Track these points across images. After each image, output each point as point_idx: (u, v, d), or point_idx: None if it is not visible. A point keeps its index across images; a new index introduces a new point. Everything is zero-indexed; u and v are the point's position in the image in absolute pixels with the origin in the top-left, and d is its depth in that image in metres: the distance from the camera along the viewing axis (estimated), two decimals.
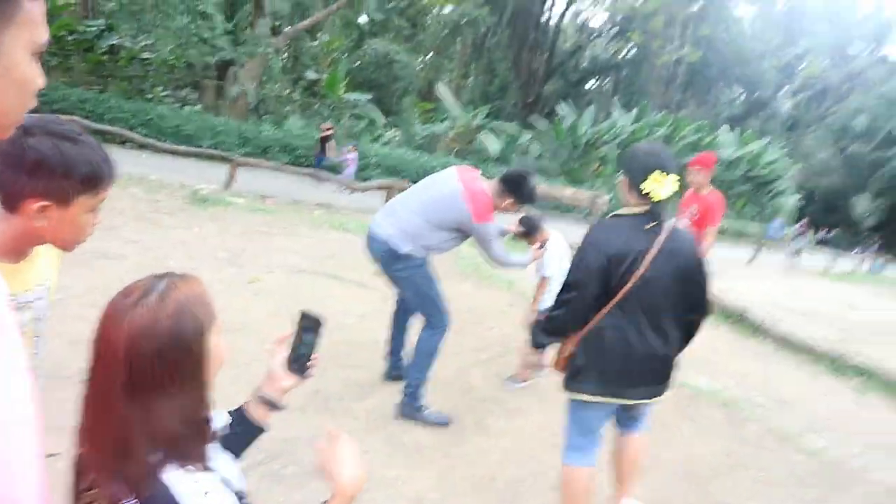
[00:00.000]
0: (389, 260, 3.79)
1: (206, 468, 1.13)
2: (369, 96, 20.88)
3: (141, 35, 15.72)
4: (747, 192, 28.90)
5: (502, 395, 4.39)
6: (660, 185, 2.37)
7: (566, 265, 3.39)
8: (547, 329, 2.62)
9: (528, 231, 4.31)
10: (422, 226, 3.70)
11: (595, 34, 38.81)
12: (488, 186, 3.75)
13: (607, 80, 39.81)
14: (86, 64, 17.41)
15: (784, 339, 7.41)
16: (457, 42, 31.31)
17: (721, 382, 5.24)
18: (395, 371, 4.27)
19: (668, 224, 2.47)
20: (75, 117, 11.59)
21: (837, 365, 6.57)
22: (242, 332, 4.45)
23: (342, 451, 1.31)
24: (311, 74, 20.02)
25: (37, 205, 1.25)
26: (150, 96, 17.79)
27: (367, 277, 6.63)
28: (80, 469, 1.13)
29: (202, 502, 1.06)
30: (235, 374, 3.81)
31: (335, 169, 15.48)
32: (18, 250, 1.38)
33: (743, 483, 3.64)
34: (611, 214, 2.56)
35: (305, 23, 19.12)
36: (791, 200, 30.15)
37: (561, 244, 4.41)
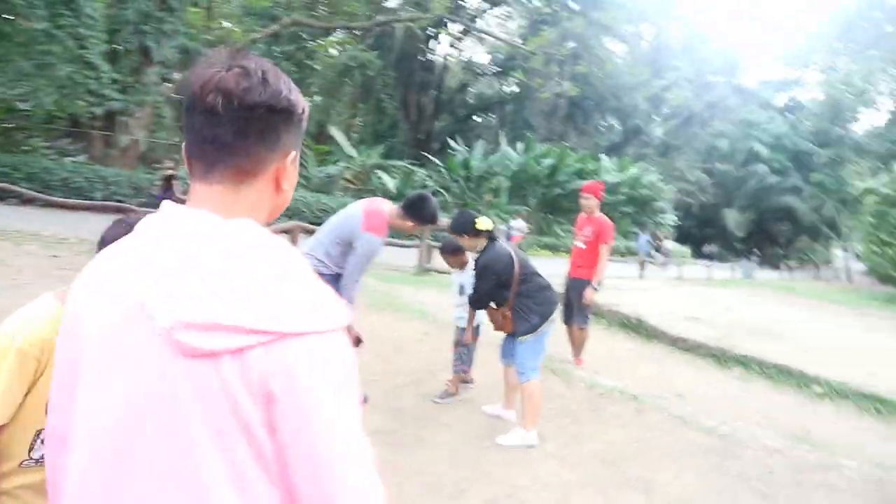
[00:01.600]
0: None
1: None
2: None
3: (18, 85, 15.04)
4: (630, 212, 30.91)
5: (434, 411, 4.73)
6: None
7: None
8: None
9: (454, 251, 4.78)
10: (329, 238, 4.22)
11: (480, 72, 40.49)
12: (390, 211, 4.24)
13: (493, 115, 41.52)
14: None
15: (675, 340, 8.20)
16: (345, 84, 31.84)
17: (624, 382, 5.83)
18: None
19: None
20: None
21: (721, 359, 7.40)
22: None
23: None
24: None
25: None
26: (26, 148, 16.97)
27: None
28: None
29: None
30: None
31: None
32: None
33: (652, 461, 4.16)
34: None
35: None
36: (669, 218, 32.54)
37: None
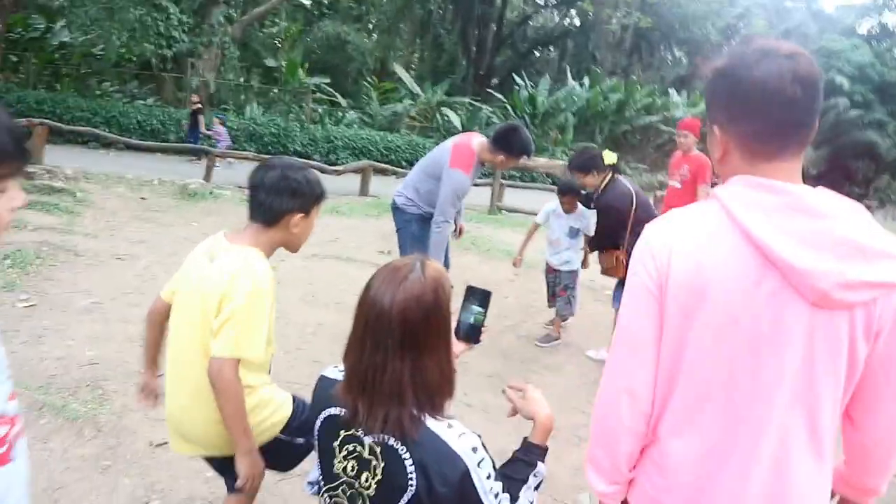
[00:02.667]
0: (393, 213, 4.27)
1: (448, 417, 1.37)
2: (328, 79, 20.78)
3: (91, 30, 15.26)
4: (701, 149, 29.79)
5: (539, 354, 4.70)
6: None
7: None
8: None
9: (574, 192, 4.59)
10: (418, 175, 4.15)
11: (542, 3, 39.03)
12: (480, 145, 3.98)
13: (556, 49, 40.18)
14: (36, 63, 16.87)
15: None
16: (404, 20, 31.20)
17: None
18: None
19: None
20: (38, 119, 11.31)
21: None
22: (281, 321, 4.62)
23: (535, 395, 1.57)
24: (269, 62, 19.80)
25: None
26: (99, 93, 17.35)
27: (377, 257, 6.84)
28: (348, 418, 1.35)
29: (460, 442, 1.31)
30: (288, 360, 4.03)
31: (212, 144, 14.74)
32: None
33: None
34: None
35: (260, 9, 18.85)
36: None
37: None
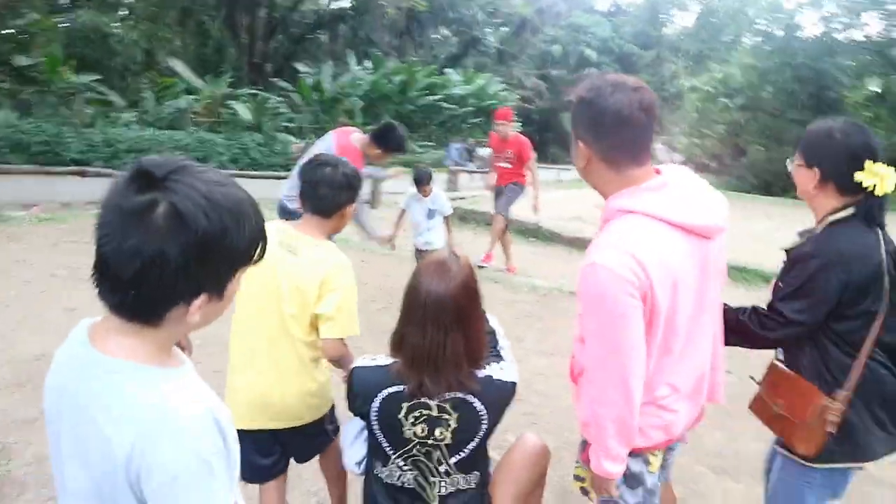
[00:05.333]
0: (284, 216, 4.46)
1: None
2: (98, 77, 18.97)
3: None
4: (479, 123, 31.91)
5: None
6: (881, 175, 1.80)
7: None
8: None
9: (417, 180, 5.14)
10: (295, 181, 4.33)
11: None
12: (359, 140, 4.45)
13: (333, 32, 40.07)
14: None
15: (571, 241, 9.14)
16: (168, 6, 29.15)
17: (559, 282, 6.59)
18: None
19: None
20: None
21: None
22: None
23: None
24: (19, 59, 17.48)
25: None
26: None
27: None
28: (411, 390, 1.71)
29: (504, 374, 1.75)
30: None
31: None
32: None
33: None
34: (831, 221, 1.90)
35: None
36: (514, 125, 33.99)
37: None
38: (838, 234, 1.84)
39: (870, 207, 1.82)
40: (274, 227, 2.11)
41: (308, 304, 2.12)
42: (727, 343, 1.93)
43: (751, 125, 26.87)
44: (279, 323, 2.14)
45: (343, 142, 4.43)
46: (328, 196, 2.17)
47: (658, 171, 1.66)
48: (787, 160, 2.03)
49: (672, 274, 1.53)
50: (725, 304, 1.92)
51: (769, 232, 10.88)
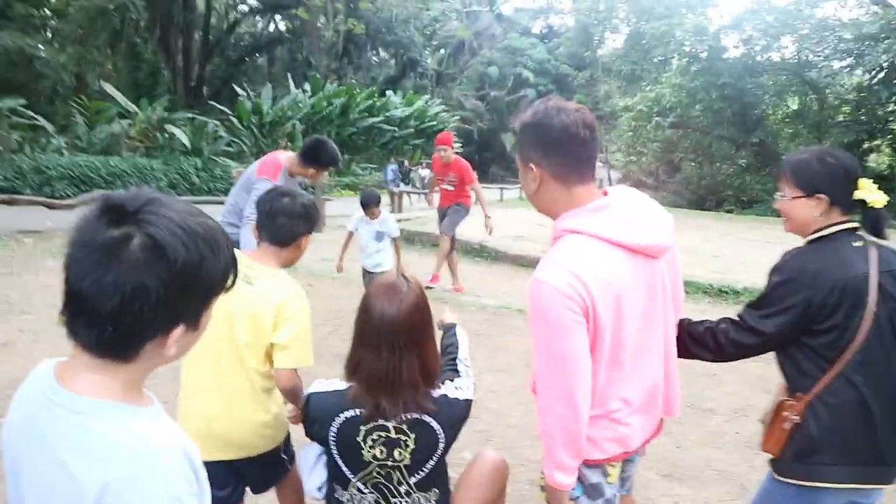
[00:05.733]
0: None
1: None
2: (23, 101, 18.28)
3: None
4: (420, 144, 32.13)
5: None
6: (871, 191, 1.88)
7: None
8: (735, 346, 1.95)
9: (365, 203, 5.16)
10: (233, 200, 4.32)
11: (247, 10, 38.30)
12: (288, 159, 4.26)
13: (269, 55, 39.80)
14: None
15: (515, 259, 9.30)
16: (98, 29, 28.41)
17: (505, 300, 6.68)
18: None
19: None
20: None
21: None
22: None
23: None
24: None
25: None
26: None
27: None
28: (368, 413, 1.73)
29: (459, 392, 1.79)
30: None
31: None
32: None
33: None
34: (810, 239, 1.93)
35: None
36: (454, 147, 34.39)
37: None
38: (812, 251, 1.88)
39: (876, 219, 1.86)
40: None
41: (263, 333, 2.12)
42: (693, 356, 1.98)
43: (683, 142, 27.94)
44: (232, 352, 2.13)
45: (266, 158, 4.34)
46: (286, 226, 2.19)
47: (605, 193, 1.73)
48: (777, 195, 2.00)
49: (614, 291, 1.58)
50: (687, 319, 2.00)
51: (700, 244, 11.35)
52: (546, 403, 1.60)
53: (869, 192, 1.84)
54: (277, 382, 2.16)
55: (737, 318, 1.93)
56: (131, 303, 0.90)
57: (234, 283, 1.05)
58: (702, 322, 1.99)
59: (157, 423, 1.00)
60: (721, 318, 1.98)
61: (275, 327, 2.11)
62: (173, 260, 0.91)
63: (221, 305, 2.01)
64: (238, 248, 4.06)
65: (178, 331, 0.97)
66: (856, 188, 1.85)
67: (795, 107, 26.52)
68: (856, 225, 1.88)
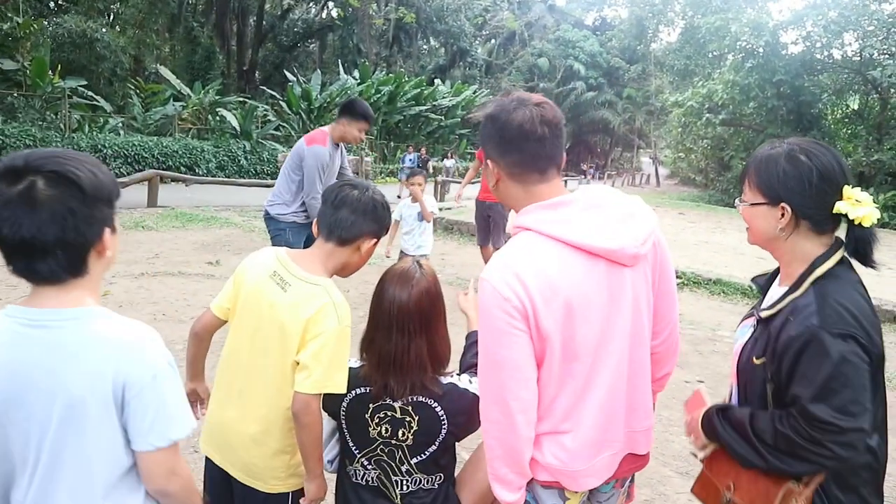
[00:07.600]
0: (266, 223, 4.56)
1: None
2: (84, 82, 18.97)
3: None
4: (467, 134, 32.15)
5: None
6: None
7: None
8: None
9: (412, 173, 5.38)
10: (283, 179, 4.43)
11: None
12: (330, 127, 4.49)
13: (319, 41, 40.27)
14: None
15: None
16: (156, 12, 29.21)
17: None
18: None
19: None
20: None
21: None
22: None
23: (469, 299, 2.26)
24: (6, 63, 17.43)
25: None
26: None
27: (209, 268, 6.83)
28: (377, 392, 1.79)
29: (470, 386, 1.84)
30: None
31: None
32: None
33: None
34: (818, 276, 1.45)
35: None
36: None
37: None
38: (839, 294, 1.40)
39: (861, 241, 1.45)
40: (272, 256, 1.90)
41: (290, 349, 1.78)
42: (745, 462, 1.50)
43: (734, 140, 27.29)
44: (265, 367, 1.84)
45: (312, 133, 4.52)
46: (347, 220, 1.84)
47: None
48: (736, 201, 1.67)
49: (562, 296, 1.41)
50: (746, 408, 1.58)
51: (745, 246, 11.06)
52: (484, 407, 1.50)
53: (853, 206, 1.41)
54: (292, 405, 1.77)
55: (805, 421, 1.36)
56: (66, 225, 1.12)
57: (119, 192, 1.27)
58: (764, 414, 1.49)
59: (128, 318, 1.26)
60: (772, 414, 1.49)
61: (302, 345, 1.77)
62: (76, 180, 1.13)
63: (258, 312, 1.85)
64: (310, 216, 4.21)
65: (107, 234, 1.20)
66: (838, 198, 1.43)
67: (855, 106, 25.62)
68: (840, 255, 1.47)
